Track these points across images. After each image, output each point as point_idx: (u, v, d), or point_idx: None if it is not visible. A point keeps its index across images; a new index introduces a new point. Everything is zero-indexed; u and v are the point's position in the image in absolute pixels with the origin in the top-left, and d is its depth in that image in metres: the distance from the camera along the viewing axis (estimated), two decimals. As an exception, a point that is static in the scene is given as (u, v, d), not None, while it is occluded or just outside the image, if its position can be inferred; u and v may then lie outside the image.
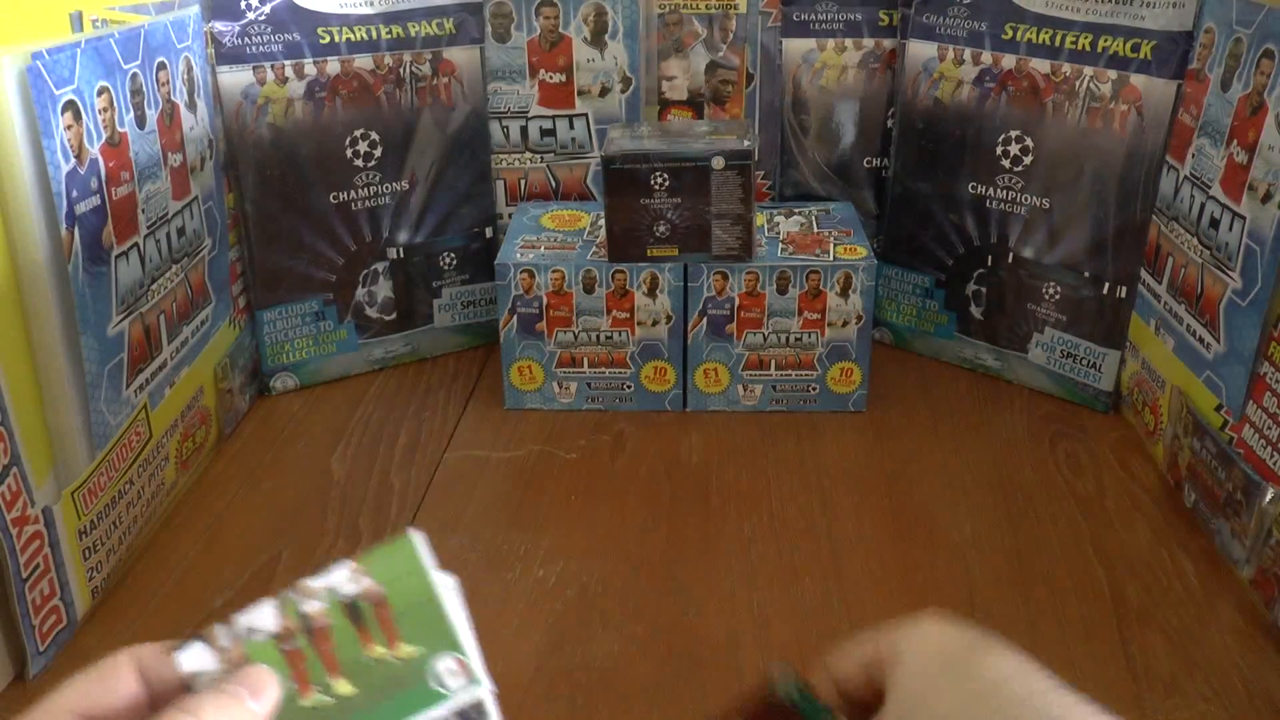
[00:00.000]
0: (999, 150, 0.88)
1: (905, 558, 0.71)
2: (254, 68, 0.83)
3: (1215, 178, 0.71)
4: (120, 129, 0.66)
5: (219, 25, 0.80)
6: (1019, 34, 0.85)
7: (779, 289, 0.84)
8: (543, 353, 0.87)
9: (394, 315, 0.96)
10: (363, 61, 0.87)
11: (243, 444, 0.85)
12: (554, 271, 0.85)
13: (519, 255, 0.86)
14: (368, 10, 0.86)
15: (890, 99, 0.96)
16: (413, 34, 0.89)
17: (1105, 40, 0.81)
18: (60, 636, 0.62)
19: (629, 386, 0.88)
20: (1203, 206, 0.73)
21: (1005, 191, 0.89)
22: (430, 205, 0.94)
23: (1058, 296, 0.88)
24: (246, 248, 0.87)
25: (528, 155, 0.98)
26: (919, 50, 0.92)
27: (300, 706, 0.33)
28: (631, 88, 0.96)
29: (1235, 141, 0.69)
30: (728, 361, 0.87)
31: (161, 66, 0.71)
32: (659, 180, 0.81)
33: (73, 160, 0.61)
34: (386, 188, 0.92)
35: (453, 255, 0.97)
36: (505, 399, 0.89)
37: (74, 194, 0.61)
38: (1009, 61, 0.86)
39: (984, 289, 0.93)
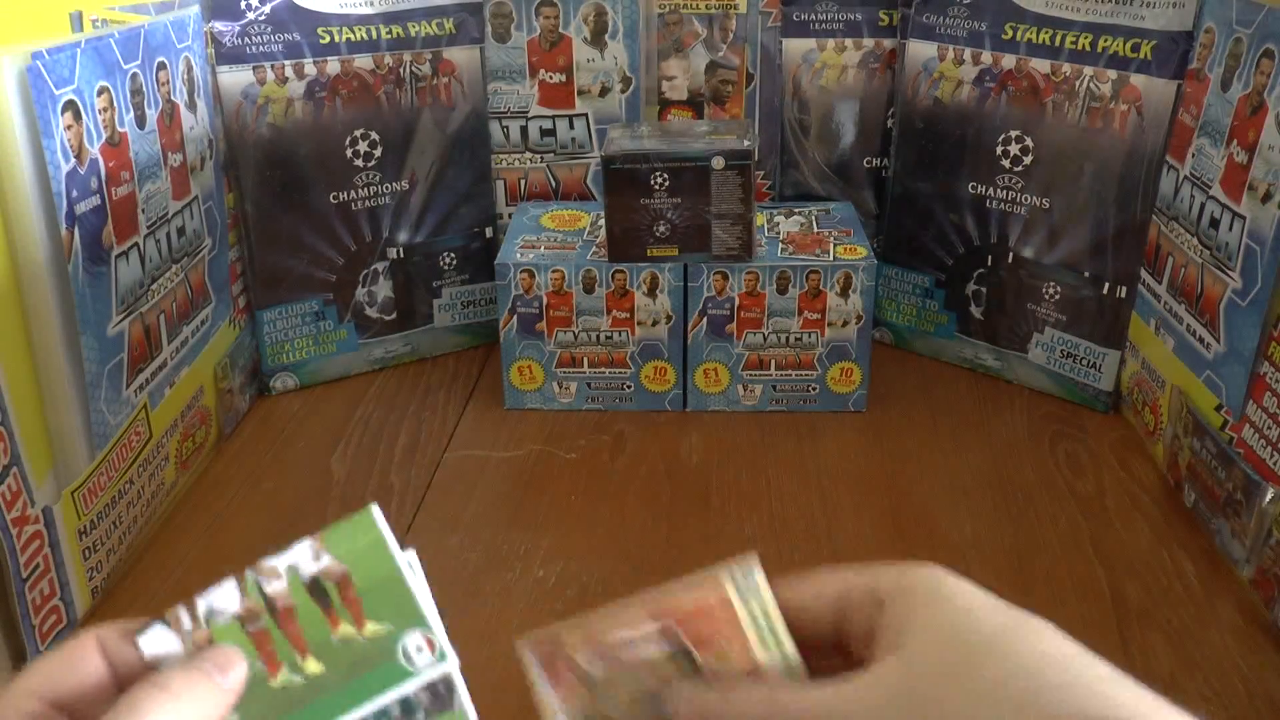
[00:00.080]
0: (999, 150, 0.88)
1: (905, 557, 0.70)
2: (254, 68, 0.83)
3: (1215, 178, 0.71)
4: (120, 129, 0.66)
5: (219, 25, 0.80)
6: (1019, 34, 0.85)
7: (779, 289, 0.84)
8: (543, 353, 0.87)
9: (394, 315, 0.96)
10: (363, 61, 0.87)
11: (243, 444, 0.85)
12: (554, 271, 0.85)
13: (519, 255, 0.86)
14: (368, 10, 0.86)
15: (890, 99, 0.96)
16: (413, 34, 0.89)
17: (1105, 40, 0.81)
18: (60, 636, 0.62)
19: (629, 386, 0.88)
20: (1203, 206, 0.73)
21: (1005, 191, 0.89)
22: (430, 205, 0.94)
23: (1058, 296, 0.88)
24: (246, 248, 0.87)
25: (528, 155, 0.98)
26: (919, 50, 0.92)
27: (269, 687, 0.33)
28: (631, 88, 0.96)
29: (1235, 141, 0.69)
30: (728, 361, 0.87)
31: (161, 66, 0.71)
32: (659, 180, 0.81)
33: (73, 160, 0.61)
34: (386, 188, 0.92)
35: (453, 255, 0.97)
36: (505, 399, 0.89)
37: (74, 194, 0.61)
38: (1009, 61, 0.86)
39: (984, 289, 0.93)
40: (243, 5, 0.81)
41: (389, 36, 0.88)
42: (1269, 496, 0.64)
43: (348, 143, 0.88)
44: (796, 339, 0.86)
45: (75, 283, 0.61)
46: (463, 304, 0.99)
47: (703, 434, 0.86)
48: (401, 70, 0.89)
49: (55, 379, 0.61)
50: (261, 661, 0.33)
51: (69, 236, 0.60)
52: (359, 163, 0.90)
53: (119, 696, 0.30)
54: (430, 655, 0.33)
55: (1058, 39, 0.83)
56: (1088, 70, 0.82)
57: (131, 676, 0.32)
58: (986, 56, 0.88)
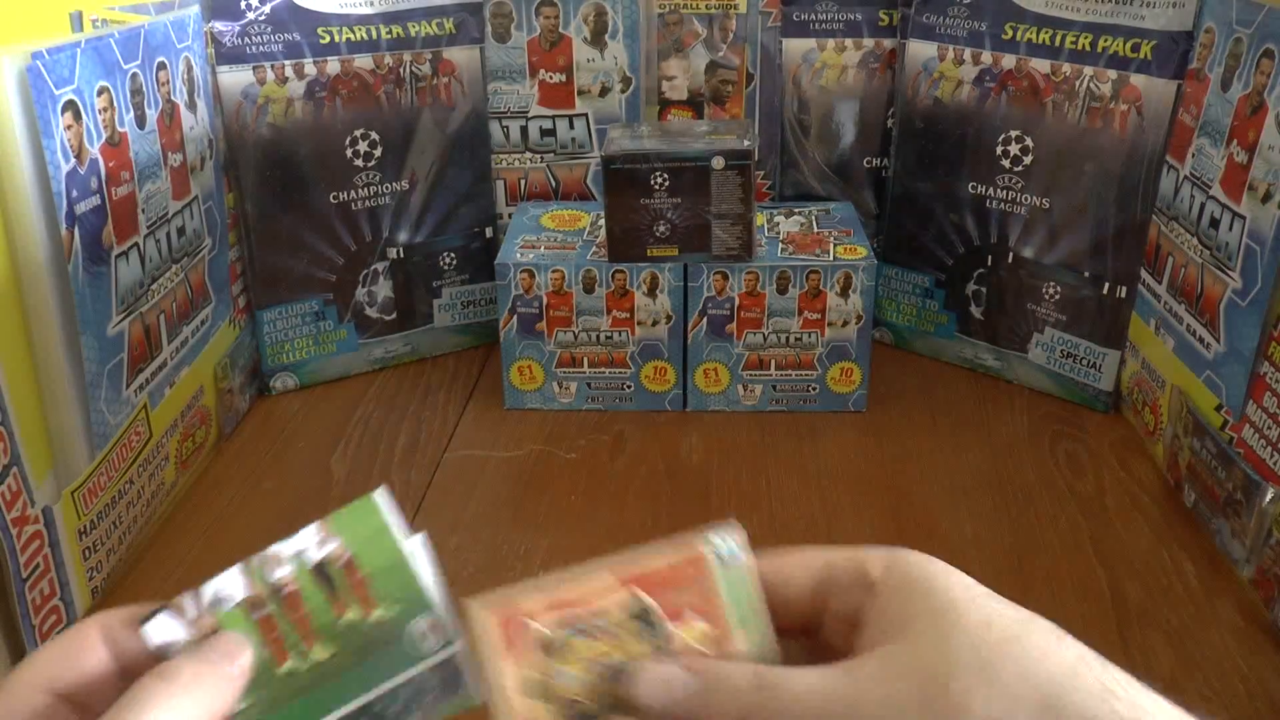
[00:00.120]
0: (999, 150, 0.88)
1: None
2: (254, 68, 0.83)
3: (1215, 177, 0.71)
4: (120, 129, 0.66)
5: (219, 25, 0.80)
6: (1019, 34, 0.85)
7: (779, 289, 0.84)
8: (543, 353, 0.87)
9: (394, 315, 0.96)
10: (363, 61, 0.87)
11: (243, 444, 0.85)
12: (554, 271, 0.85)
13: (519, 255, 0.86)
14: (368, 10, 0.86)
15: (890, 99, 0.96)
16: (413, 34, 0.89)
17: (1105, 40, 0.81)
18: (60, 636, 0.62)
19: (629, 386, 0.88)
20: (1203, 206, 0.73)
21: (1005, 191, 0.89)
22: (430, 205, 0.94)
23: (1058, 296, 0.88)
24: (246, 248, 0.87)
25: (528, 155, 0.98)
26: (919, 50, 0.92)
27: (276, 674, 0.32)
28: (631, 88, 0.96)
29: (1235, 141, 0.69)
30: (728, 361, 0.87)
31: (161, 66, 0.71)
32: (659, 180, 0.81)
33: (73, 160, 0.60)
34: (386, 188, 0.92)
35: (453, 255, 0.97)
36: (505, 399, 0.89)
37: (74, 194, 0.61)
38: (1009, 61, 0.86)
39: (984, 289, 0.93)
40: (243, 5, 0.81)
41: (389, 36, 0.88)
42: (1269, 496, 0.64)
43: (348, 143, 0.88)
44: (796, 339, 0.86)
45: (75, 283, 0.61)
46: (463, 304, 0.99)
47: (703, 434, 0.86)
48: (401, 70, 0.89)
49: (55, 379, 0.61)
50: (268, 648, 0.32)
51: (69, 236, 0.60)
52: (359, 163, 0.90)
53: (124, 688, 0.30)
54: (438, 639, 0.33)
55: (1058, 39, 0.83)
56: (1088, 70, 0.82)
57: (137, 665, 0.32)
58: (986, 56, 0.88)
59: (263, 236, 0.87)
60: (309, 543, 0.33)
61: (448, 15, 0.90)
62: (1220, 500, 0.70)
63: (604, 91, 0.96)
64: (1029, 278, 0.89)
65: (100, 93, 0.63)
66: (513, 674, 0.32)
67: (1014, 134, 0.87)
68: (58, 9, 0.65)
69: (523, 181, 0.99)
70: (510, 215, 0.97)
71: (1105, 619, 0.65)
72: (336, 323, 0.93)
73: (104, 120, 0.64)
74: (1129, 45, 0.79)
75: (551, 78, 0.95)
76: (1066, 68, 0.83)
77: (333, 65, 0.86)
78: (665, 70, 0.97)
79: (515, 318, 0.86)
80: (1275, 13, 0.67)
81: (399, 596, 0.33)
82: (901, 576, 0.32)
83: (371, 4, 0.86)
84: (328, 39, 0.85)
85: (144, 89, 0.69)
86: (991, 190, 0.90)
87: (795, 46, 0.97)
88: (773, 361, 0.87)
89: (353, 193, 0.90)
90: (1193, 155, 0.75)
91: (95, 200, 0.63)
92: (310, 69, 0.85)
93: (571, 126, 0.97)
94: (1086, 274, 0.86)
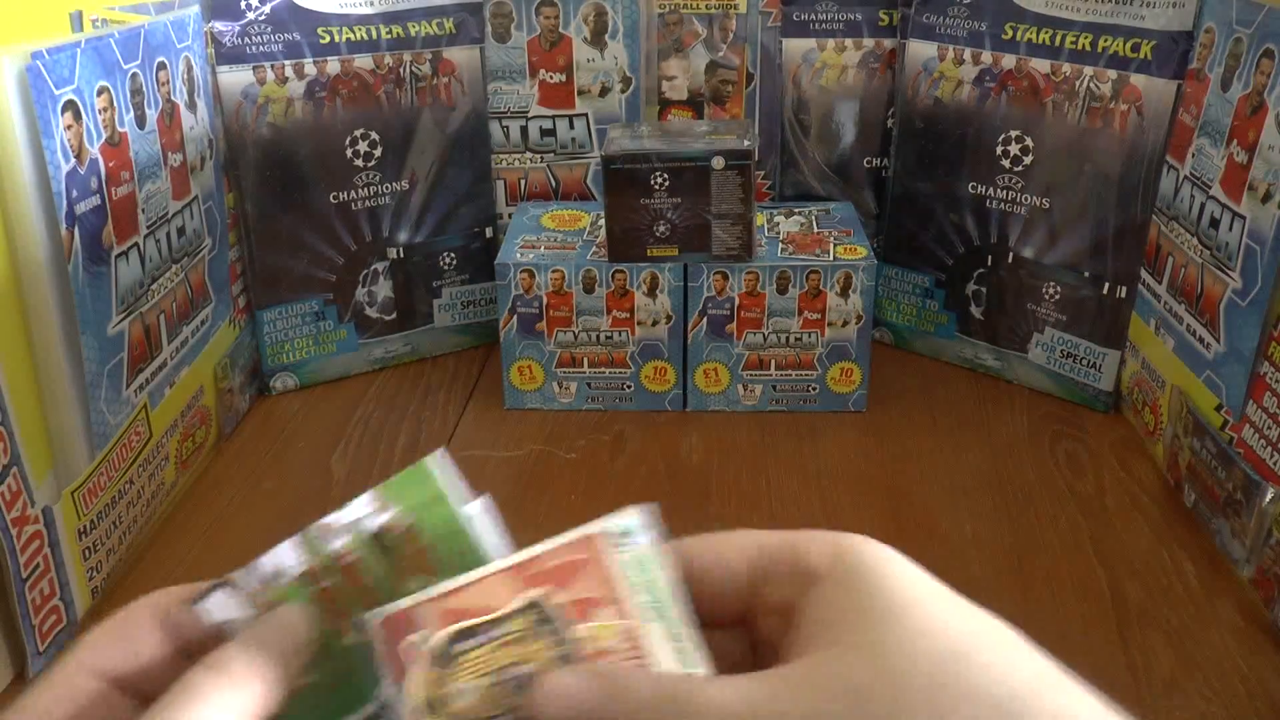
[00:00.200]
0: (999, 150, 0.88)
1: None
2: (254, 68, 0.83)
3: (1215, 177, 0.71)
4: (120, 129, 0.66)
5: (219, 25, 0.80)
6: (1019, 34, 0.85)
7: (779, 289, 0.84)
8: (543, 353, 0.87)
9: (394, 315, 0.96)
10: (363, 61, 0.87)
11: (243, 444, 0.85)
12: (554, 271, 0.85)
13: (519, 255, 0.86)
14: (368, 10, 0.86)
15: (890, 99, 0.96)
16: (413, 34, 0.89)
17: (1105, 40, 0.81)
18: (60, 636, 0.62)
19: (629, 386, 0.88)
20: (1203, 206, 0.73)
21: (1005, 191, 0.89)
22: (430, 205, 0.94)
23: (1058, 296, 0.88)
24: (246, 248, 0.87)
25: (528, 155, 0.98)
26: (919, 50, 0.92)
27: (340, 645, 0.31)
28: (631, 88, 0.96)
29: (1235, 141, 0.69)
30: (728, 361, 0.87)
31: (161, 66, 0.71)
32: (659, 180, 0.81)
33: (73, 160, 0.60)
34: (386, 188, 0.92)
35: (453, 255, 0.97)
36: (505, 399, 0.89)
37: (74, 194, 0.61)
38: (1009, 61, 0.86)
39: (984, 289, 0.93)
40: (243, 5, 0.81)
41: (389, 36, 0.88)
42: (1269, 496, 0.64)
43: (348, 143, 0.88)
44: (796, 339, 0.86)
45: (75, 283, 0.61)
46: (463, 304, 0.99)
47: (703, 434, 0.86)
48: (401, 70, 0.89)
49: (55, 379, 0.61)
50: (331, 621, 0.31)
51: (69, 236, 0.60)
52: (359, 163, 0.90)
53: (185, 669, 0.28)
54: None
55: (1058, 39, 0.83)
56: (1088, 70, 0.82)
57: (196, 644, 0.30)
58: (986, 56, 0.88)
59: (263, 236, 0.87)
60: (365, 511, 0.32)
61: (448, 15, 0.90)
62: (1220, 500, 0.70)
63: (604, 91, 0.96)
64: (1029, 278, 0.89)
65: (100, 93, 0.63)
66: (411, 696, 0.29)
67: (1014, 134, 0.87)
68: (58, 9, 0.65)
69: (523, 181, 0.99)
70: (510, 215, 0.97)
71: (1105, 619, 0.64)
72: (336, 323, 0.93)
73: (104, 120, 0.64)
74: (1129, 45, 0.79)
75: (551, 78, 0.95)
76: (1066, 68, 0.83)
77: (333, 65, 0.86)
78: (665, 70, 0.97)
79: (515, 318, 0.86)
80: (1275, 13, 0.67)
81: (462, 562, 0.32)
82: (846, 569, 0.29)
83: (371, 4, 0.86)
84: (328, 39, 0.85)
85: (144, 89, 0.69)
86: (991, 190, 0.90)
87: (795, 46, 0.97)
88: (773, 361, 0.87)
89: (353, 193, 0.90)
90: (1193, 155, 0.75)
91: (95, 200, 0.63)
92: (310, 69, 0.85)
93: (571, 126, 0.97)
94: (1086, 274, 0.86)
